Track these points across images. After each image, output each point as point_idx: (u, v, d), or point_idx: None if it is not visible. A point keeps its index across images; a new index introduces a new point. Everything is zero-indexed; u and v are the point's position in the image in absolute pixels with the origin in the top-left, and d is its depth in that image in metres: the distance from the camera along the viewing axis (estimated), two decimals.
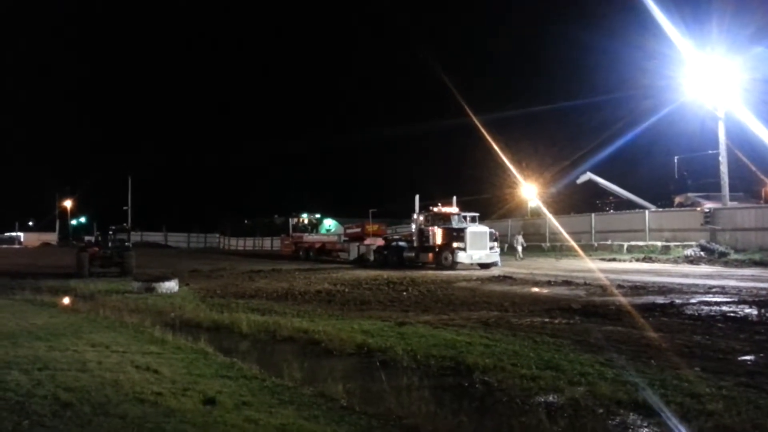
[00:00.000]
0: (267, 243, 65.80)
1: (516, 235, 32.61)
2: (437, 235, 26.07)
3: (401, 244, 29.04)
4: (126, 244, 25.64)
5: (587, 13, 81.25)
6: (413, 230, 28.07)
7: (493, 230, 26.86)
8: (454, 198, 29.14)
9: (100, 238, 26.10)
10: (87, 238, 34.55)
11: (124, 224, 33.48)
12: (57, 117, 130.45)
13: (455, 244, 24.93)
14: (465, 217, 27.51)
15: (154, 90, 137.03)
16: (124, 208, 71.05)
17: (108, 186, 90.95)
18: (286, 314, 11.91)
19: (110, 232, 25.85)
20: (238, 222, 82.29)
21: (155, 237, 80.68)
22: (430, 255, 26.17)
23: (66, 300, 15.15)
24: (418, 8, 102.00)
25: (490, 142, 43.25)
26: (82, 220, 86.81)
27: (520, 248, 31.97)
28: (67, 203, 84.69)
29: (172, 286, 16.74)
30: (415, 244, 27.39)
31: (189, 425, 4.99)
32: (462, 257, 24.64)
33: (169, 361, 7.56)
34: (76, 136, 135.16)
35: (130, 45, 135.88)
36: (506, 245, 34.72)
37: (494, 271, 22.82)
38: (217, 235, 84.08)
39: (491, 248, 25.50)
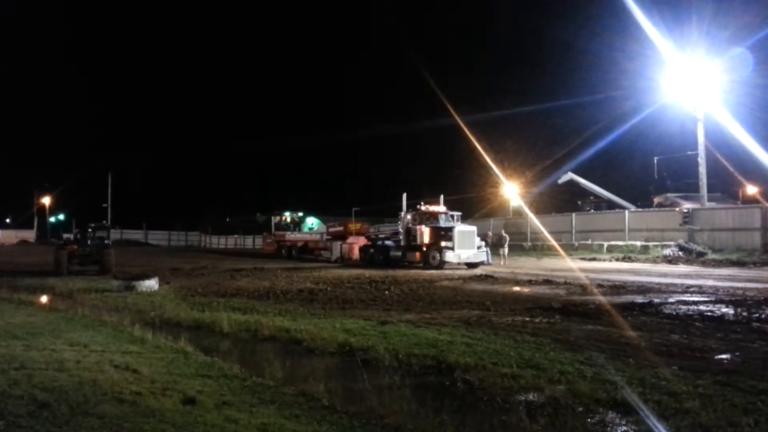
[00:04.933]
0: (249, 241, 65.52)
1: (503, 234, 30.60)
2: (425, 234, 26.04)
3: (387, 243, 28.93)
4: (105, 241, 25.34)
5: (570, 15, 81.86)
6: (400, 229, 28.00)
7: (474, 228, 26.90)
8: (441, 197, 29.13)
9: (79, 236, 25.72)
10: (66, 235, 34.07)
11: (104, 222, 33.02)
12: (35, 113, 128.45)
13: (443, 243, 24.92)
14: (452, 216, 27.54)
15: (136, 87, 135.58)
16: (104, 205, 70.46)
17: (87, 183, 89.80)
18: (267, 313, 11.87)
19: (89, 230, 25.50)
20: (220, 220, 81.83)
21: (135, 235, 79.85)
22: (418, 254, 26.15)
23: (44, 298, 14.95)
24: (404, 8, 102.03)
25: (473, 141, 43.48)
26: (61, 217, 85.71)
27: (507, 249, 29.80)
28: (46, 200, 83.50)
29: (152, 284, 16.60)
30: (402, 243, 27.32)
31: (169, 425, 4.95)
32: (450, 256, 24.65)
33: (149, 360, 7.49)
34: (55, 132, 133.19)
35: (111, 39, 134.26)
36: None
37: (476, 270, 22.92)
38: (198, 233, 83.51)
39: (479, 247, 25.59)
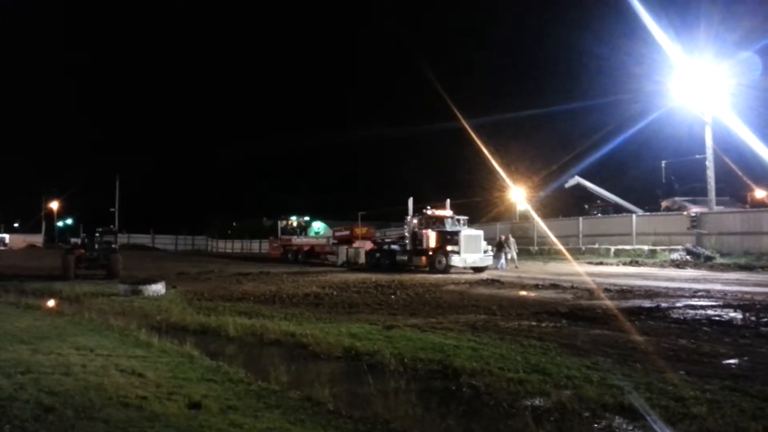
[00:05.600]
0: (255, 245, 65.64)
1: (511, 238, 29.77)
2: (431, 238, 25.97)
3: (393, 247, 28.88)
4: (112, 246, 25.42)
5: (578, 18, 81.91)
6: (406, 233, 27.98)
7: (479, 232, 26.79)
8: (448, 201, 29.09)
9: (86, 240, 25.84)
10: (73, 240, 34.34)
11: (111, 226, 33.25)
12: (44, 117, 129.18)
13: (449, 248, 24.87)
14: (458, 220, 27.49)
15: (143, 91, 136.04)
16: (111, 209, 70.80)
17: (95, 188, 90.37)
18: (273, 317, 11.87)
19: (97, 234, 25.60)
20: (226, 224, 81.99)
21: (142, 239, 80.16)
22: (424, 258, 26.10)
23: (51, 302, 15.01)
24: (409, 11, 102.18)
25: (479, 145, 43.41)
26: (69, 221, 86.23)
27: (514, 253, 28.85)
28: (54, 205, 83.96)
29: (158, 288, 16.64)
30: (408, 247, 27.28)
31: (173, 429, 4.94)
32: (456, 261, 24.59)
33: (155, 364, 7.50)
34: (63, 137, 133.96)
35: (117, 44, 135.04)
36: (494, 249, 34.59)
37: (483, 275, 22.87)
38: (205, 238, 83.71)
39: (485, 252, 25.53)
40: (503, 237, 29.61)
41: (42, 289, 17.99)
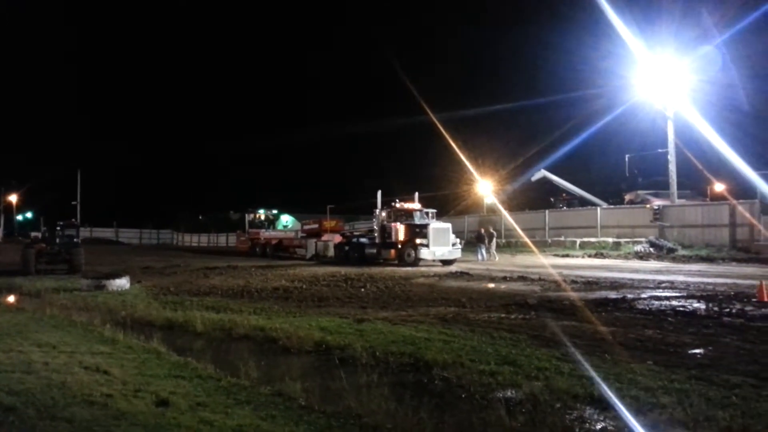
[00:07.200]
0: (222, 239, 64.92)
1: (491, 230, 29.89)
2: (400, 231, 25.98)
3: (362, 240, 28.85)
4: (74, 240, 24.84)
5: (543, 13, 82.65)
6: (375, 226, 27.95)
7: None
8: (416, 194, 29.12)
9: (47, 234, 25.20)
10: (33, 234, 33.38)
11: (73, 220, 32.39)
12: (1, 109, 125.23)
13: (418, 241, 24.95)
14: (427, 213, 27.57)
15: (107, 83, 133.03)
16: (73, 203, 69.04)
17: (56, 181, 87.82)
18: (242, 312, 11.73)
19: (58, 228, 24.99)
20: (193, 218, 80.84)
21: (106, 233, 78.43)
22: (393, 251, 26.11)
23: (11, 298, 14.57)
24: (377, 7, 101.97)
25: (447, 139, 43.53)
26: (29, 215, 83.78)
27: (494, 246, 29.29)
28: (13, 198, 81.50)
29: (123, 283, 16.31)
30: (377, 240, 27.26)
31: (140, 428, 4.83)
32: (425, 253, 24.69)
33: (120, 361, 7.33)
34: (23, 128, 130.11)
35: (82, 35, 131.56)
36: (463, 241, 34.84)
37: (451, 267, 22.99)
38: (170, 231, 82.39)
39: (453, 244, 25.67)
40: (483, 229, 29.77)
41: (1, 284, 17.46)
